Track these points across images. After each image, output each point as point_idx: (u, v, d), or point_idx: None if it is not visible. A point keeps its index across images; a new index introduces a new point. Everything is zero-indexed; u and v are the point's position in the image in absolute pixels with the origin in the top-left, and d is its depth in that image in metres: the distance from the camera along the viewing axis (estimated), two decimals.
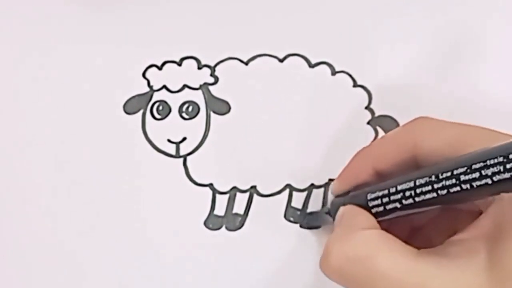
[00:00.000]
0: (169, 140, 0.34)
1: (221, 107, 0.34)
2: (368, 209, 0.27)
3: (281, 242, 0.33)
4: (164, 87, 0.35)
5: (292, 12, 0.36)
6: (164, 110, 0.34)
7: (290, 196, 0.33)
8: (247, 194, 0.33)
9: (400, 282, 0.23)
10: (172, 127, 0.34)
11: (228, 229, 0.33)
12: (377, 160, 0.28)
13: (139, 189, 0.34)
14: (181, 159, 0.34)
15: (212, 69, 0.35)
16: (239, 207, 0.33)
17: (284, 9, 0.36)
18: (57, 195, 0.34)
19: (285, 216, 0.33)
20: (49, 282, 0.33)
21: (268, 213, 0.33)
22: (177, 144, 0.34)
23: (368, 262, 0.24)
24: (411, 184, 0.24)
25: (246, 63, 0.35)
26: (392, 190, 0.25)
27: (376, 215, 0.27)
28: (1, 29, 0.36)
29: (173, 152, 0.34)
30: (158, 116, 0.34)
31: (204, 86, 0.35)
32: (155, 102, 0.35)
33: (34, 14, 0.37)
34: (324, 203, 0.33)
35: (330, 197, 0.32)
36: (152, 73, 0.35)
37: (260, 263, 0.32)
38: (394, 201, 0.25)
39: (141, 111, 0.35)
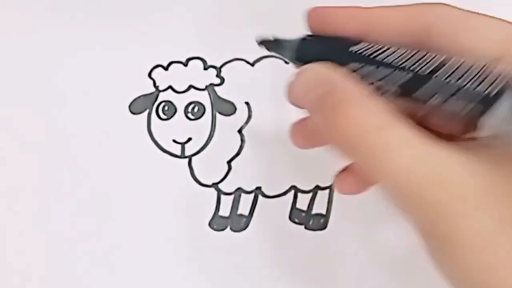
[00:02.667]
0: (174, 141, 0.34)
1: (227, 108, 0.34)
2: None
3: (286, 243, 0.33)
4: (170, 87, 0.35)
5: (299, 13, 0.36)
6: (169, 111, 0.35)
7: (295, 197, 0.33)
8: (252, 195, 0.33)
9: (419, 178, 0.21)
10: (178, 127, 0.34)
11: (232, 230, 0.33)
12: (374, 22, 0.24)
13: (144, 190, 0.34)
14: (186, 160, 0.34)
15: (218, 70, 0.35)
16: (244, 208, 0.33)
17: (291, 9, 0.36)
18: (62, 194, 0.34)
19: (290, 217, 0.33)
20: (52, 281, 0.33)
21: (273, 214, 0.33)
22: (183, 144, 0.34)
23: (387, 131, 0.21)
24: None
25: (252, 64, 0.35)
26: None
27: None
28: (8, 30, 0.36)
29: (178, 153, 0.34)
30: (163, 116, 0.34)
31: (210, 87, 0.35)
32: (160, 102, 0.35)
33: (40, 14, 0.37)
34: (329, 205, 0.33)
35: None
36: (158, 73, 0.35)
37: (265, 264, 0.32)
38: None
39: (147, 111, 0.35)
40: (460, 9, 0.23)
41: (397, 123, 0.22)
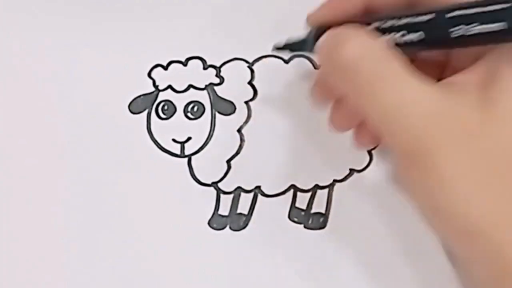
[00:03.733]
0: (174, 140, 0.34)
1: (226, 107, 0.35)
2: None
3: (285, 242, 0.33)
4: (170, 87, 0.35)
5: (298, 12, 0.36)
6: (169, 110, 0.35)
7: (295, 196, 0.33)
8: (251, 194, 0.34)
9: (401, 97, 0.23)
10: (177, 127, 0.34)
11: (232, 229, 0.33)
12: None
13: (144, 189, 0.34)
14: (186, 159, 0.34)
15: (218, 69, 0.35)
16: (243, 207, 0.33)
17: (290, 9, 0.36)
18: (61, 194, 0.34)
19: (289, 217, 0.33)
20: (53, 281, 0.33)
21: (272, 213, 0.33)
22: (182, 144, 0.34)
23: (386, 66, 0.23)
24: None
25: (252, 64, 0.35)
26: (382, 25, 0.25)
27: None
28: (6, 28, 0.37)
29: (178, 152, 0.34)
30: (163, 116, 0.35)
31: (210, 87, 0.35)
32: (160, 102, 0.35)
33: (40, 14, 0.37)
34: (328, 204, 0.33)
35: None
36: (157, 73, 0.35)
37: (264, 263, 0.32)
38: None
39: (146, 111, 0.35)
40: None
41: (392, 58, 0.23)
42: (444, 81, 0.25)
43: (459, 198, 0.22)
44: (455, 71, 0.25)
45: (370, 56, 0.24)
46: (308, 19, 0.28)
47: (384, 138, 0.25)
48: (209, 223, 0.33)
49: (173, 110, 0.35)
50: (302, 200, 0.33)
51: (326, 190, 0.33)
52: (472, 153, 0.22)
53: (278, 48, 0.31)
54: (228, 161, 0.34)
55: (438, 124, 0.22)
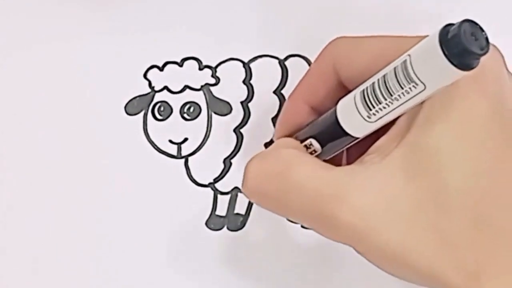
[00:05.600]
0: (170, 141, 0.34)
1: (223, 107, 0.35)
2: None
3: (283, 242, 0.33)
4: (166, 88, 0.35)
5: (293, 12, 0.36)
6: (165, 111, 0.35)
7: None
8: None
9: (314, 192, 0.22)
10: (174, 127, 0.34)
11: (229, 229, 0.33)
12: (308, 96, 0.27)
13: (141, 190, 0.34)
14: (183, 160, 0.34)
15: (213, 70, 0.35)
16: (240, 207, 0.33)
17: (285, 9, 0.36)
18: (58, 195, 0.34)
19: None
20: (50, 281, 0.33)
21: (269, 213, 0.33)
22: (179, 144, 0.34)
23: (283, 176, 0.23)
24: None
25: (247, 64, 0.35)
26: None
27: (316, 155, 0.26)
28: (2, 29, 0.37)
29: (175, 153, 0.34)
30: (159, 117, 0.35)
31: (206, 87, 0.35)
32: (156, 103, 0.35)
33: (36, 14, 0.37)
34: None
35: None
36: (153, 74, 0.35)
37: (262, 263, 0.32)
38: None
39: (143, 112, 0.35)
40: (348, 37, 0.25)
41: (296, 163, 0.24)
42: (362, 159, 0.24)
43: (413, 264, 0.22)
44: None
45: (315, 189, 0.23)
46: (274, 136, 0.29)
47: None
48: (206, 224, 0.33)
49: (169, 111, 0.35)
50: None
51: None
52: (405, 219, 0.22)
53: None
54: (225, 161, 0.34)
55: (364, 208, 0.22)
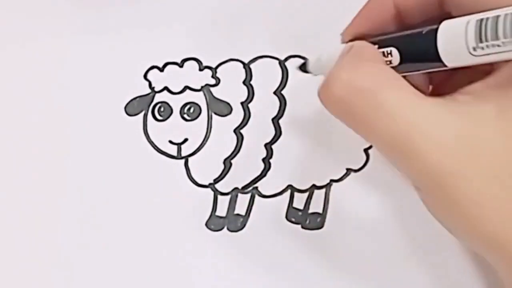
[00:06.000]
0: (170, 141, 0.34)
1: (223, 108, 0.35)
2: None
3: (283, 242, 0.33)
4: (166, 88, 0.35)
5: (293, 13, 0.36)
6: (165, 112, 0.35)
7: (292, 196, 0.33)
8: (248, 195, 0.34)
9: (403, 120, 0.22)
10: (174, 128, 0.34)
11: (229, 230, 0.33)
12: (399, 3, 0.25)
13: (141, 191, 0.34)
14: (183, 160, 0.34)
15: (214, 70, 0.35)
16: (240, 208, 0.33)
17: (285, 10, 0.36)
18: (57, 196, 0.34)
19: (286, 217, 0.33)
20: (49, 281, 0.33)
21: (269, 214, 0.33)
22: (179, 145, 0.34)
23: (374, 94, 0.22)
24: None
25: (247, 65, 0.35)
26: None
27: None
28: (2, 29, 0.37)
29: (175, 153, 0.34)
30: (159, 118, 0.35)
31: (206, 88, 0.35)
32: (156, 104, 0.35)
33: (36, 15, 0.37)
34: (325, 204, 0.33)
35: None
36: (153, 74, 0.35)
37: (262, 264, 0.32)
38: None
39: (143, 113, 0.35)
40: None
41: (398, 83, 0.22)
42: (455, 96, 0.23)
43: (492, 223, 0.21)
44: (461, 83, 0.24)
45: (404, 117, 0.22)
46: (343, 34, 0.28)
47: (396, 167, 0.24)
48: (206, 225, 0.33)
49: (170, 111, 0.35)
50: (299, 200, 0.33)
51: (323, 190, 0.33)
52: (498, 170, 0.21)
53: (303, 70, 0.30)
54: (225, 162, 0.34)
55: (457, 149, 0.21)
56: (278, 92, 0.35)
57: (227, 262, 0.33)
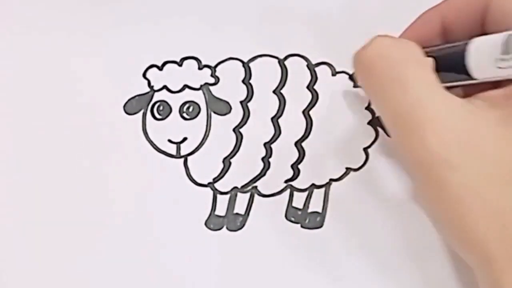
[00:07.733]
0: (169, 140, 0.34)
1: (222, 107, 0.34)
2: None
3: (282, 242, 0.33)
4: (165, 87, 0.35)
5: (293, 12, 0.36)
6: (164, 110, 0.34)
7: (291, 196, 0.33)
8: (248, 194, 0.33)
9: (415, 96, 0.23)
10: (173, 127, 0.34)
11: (229, 229, 0.33)
12: (446, 10, 0.27)
13: (140, 190, 0.34)
14: (182, 159, 0.34)
15: (213, 69, 0.35)
16: (240, 207, 0.33)
17: (285, 9, 0.36)
18: (56, 195, 0.34)
19: (286, 216, 0.33)
20: (49, 281, 0.33)
21: (269, 213, 0.33)
22: (178, 144, 0.34)
23: (399, 65, 0.24)
24: None
25: (247, 63, 0.35)
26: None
27: None
28: (2, 30, 0.36)
29: (174, 152, 0.34)
30: (158, 116, 0.34)
31: (205, 87, 0.35)
32: (155, 102, 0.35)
33: (33, 13, 0.37)
34: (325, 203, 0.33)
35: None
36: (152, 73, 0.35)
37: (261, 263, 0.32)
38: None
39: (142, 111, 0.35)
40: None
41: (423, 64, 0.24)
42: (470, 99, 0.25)
43: (472, 220, 0.22)
44: (482, 89, 0.25)
45: (420, 97, 0.24)
46: None
47: (399, 148, 0.25)
48: (206, 224, 0.33)
49: (169, 110, 0.34)
50: (298, 200, 0.33)
51: (323, 189, 0.33)
52: (491, 170, 0.22)
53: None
54: (224, 161, 0.34)
55: (456, 140, 0.22)
56: (277, 91, 0.35)
57: (226, 261, 0.33)
